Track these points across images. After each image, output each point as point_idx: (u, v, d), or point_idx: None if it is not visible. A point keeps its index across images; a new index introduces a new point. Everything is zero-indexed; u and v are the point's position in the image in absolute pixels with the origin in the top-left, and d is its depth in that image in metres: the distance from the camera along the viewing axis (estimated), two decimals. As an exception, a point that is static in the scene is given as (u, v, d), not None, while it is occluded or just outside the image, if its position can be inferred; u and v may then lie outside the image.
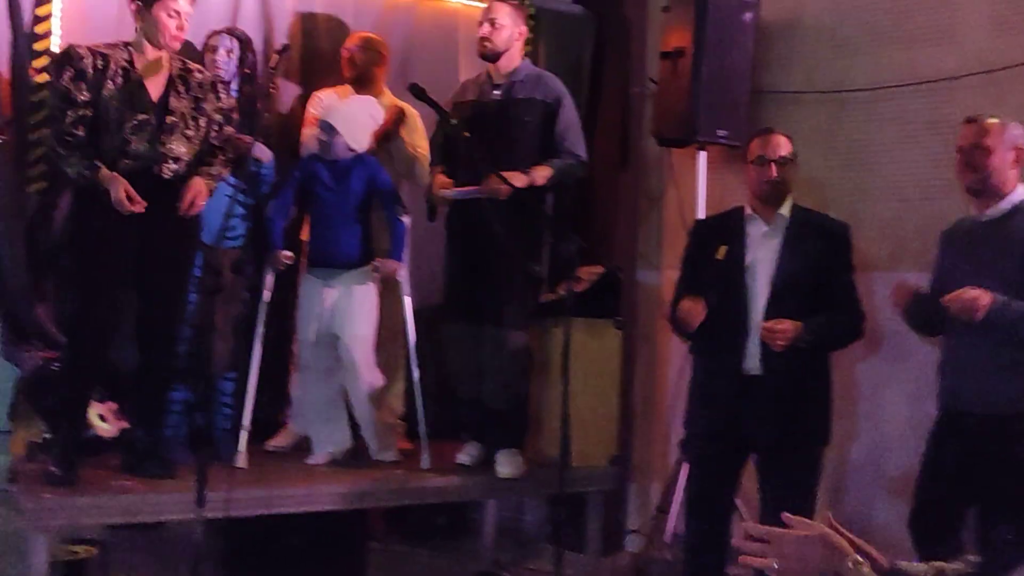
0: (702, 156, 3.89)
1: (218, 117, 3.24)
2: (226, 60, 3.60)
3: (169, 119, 3.11)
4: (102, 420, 3.38)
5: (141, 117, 3.05)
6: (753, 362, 2.77)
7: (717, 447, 2.87)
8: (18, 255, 3.56)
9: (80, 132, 3.01)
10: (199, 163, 3.18)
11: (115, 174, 3.00)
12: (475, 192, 3.43)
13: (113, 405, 3.44)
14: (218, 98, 3.27)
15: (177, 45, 3.16)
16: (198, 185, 3.13)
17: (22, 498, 2.95)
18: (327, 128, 3.50)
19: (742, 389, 2.79)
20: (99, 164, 3.01)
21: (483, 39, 3.54)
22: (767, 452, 2.83)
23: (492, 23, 3.53)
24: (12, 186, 3.56)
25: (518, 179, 3.33)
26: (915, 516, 2.80)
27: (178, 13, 3.08)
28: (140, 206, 3.00)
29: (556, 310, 3.71)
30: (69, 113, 3.00)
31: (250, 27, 3.89)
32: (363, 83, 3.82)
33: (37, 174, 3.58)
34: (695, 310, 2.77)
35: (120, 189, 2.98)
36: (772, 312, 2.74)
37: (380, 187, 3.60)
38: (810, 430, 2.83)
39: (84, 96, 3.01)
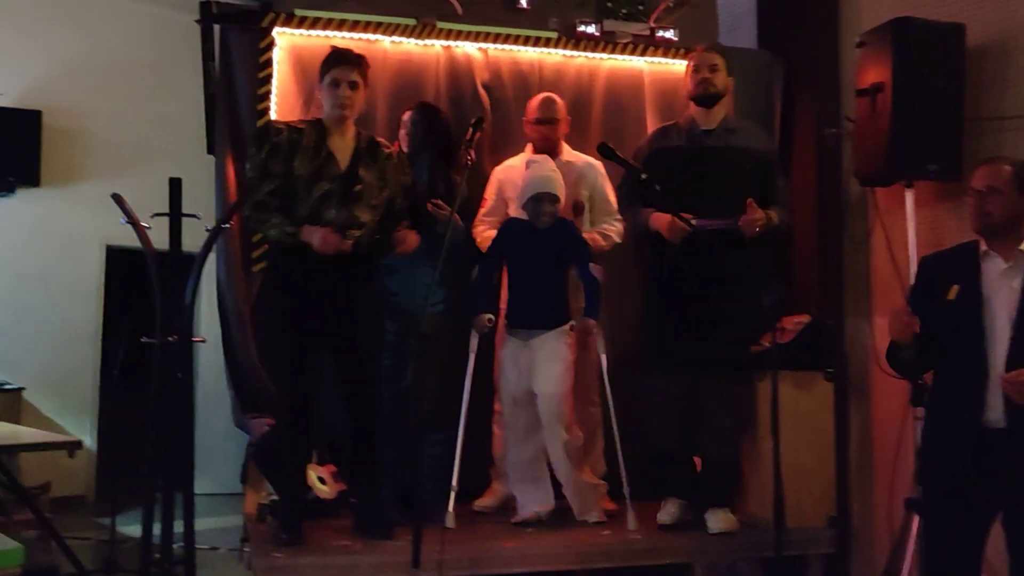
0: (910, 194, 3.67)
1: (399, 189, 3.39)
2: (411, 133, 3.76)
3: (356, 188, 3.28)
4: (322, 483, 3.57)
5: (329, 186, 3.24)
6: (996, 414, 2.51)
7: (956, 507, 2.60)
8: (245, 330, 3.87)
9: (274, 200, 3.22)
10: (381, 230, 3.32)
11: (315, 226, 3.18)
12: (725, 223, 3.39)
13: (332, 468, 3.62)
14: (401, 171, 3.43)
15: (344, 112, 3.28)
16: (412, 237, 3.39)
17: (254, 557, 3.15)
18: (552, 199, 3.58)
19: (984, 443, 2.53)
20: (299, 222, 3.19)
21: (705, 82, 3.57)
22: (1015, 511, 2.54)
23: (712, 68, 3.58)
24: (239, 267, 3.89)
25: (761, 214, 3.42)
26: None
27: (339, 81, 3.25)
28: (346, 245, 3.17)
29: (761, 362, 3.58)
30: (265, 183, 3.22)
31: (445, 102, 4.10)
32: (549, 150, 3.90)
33: (260, 255, 3.90)
34: (906, 320, 2.57)
35: (327, 232, 3.15)
36: (1015, 360, 2.48)
37: (574, 245, 3.64)
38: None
39: (278, 167, 3.23)
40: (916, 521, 3.27)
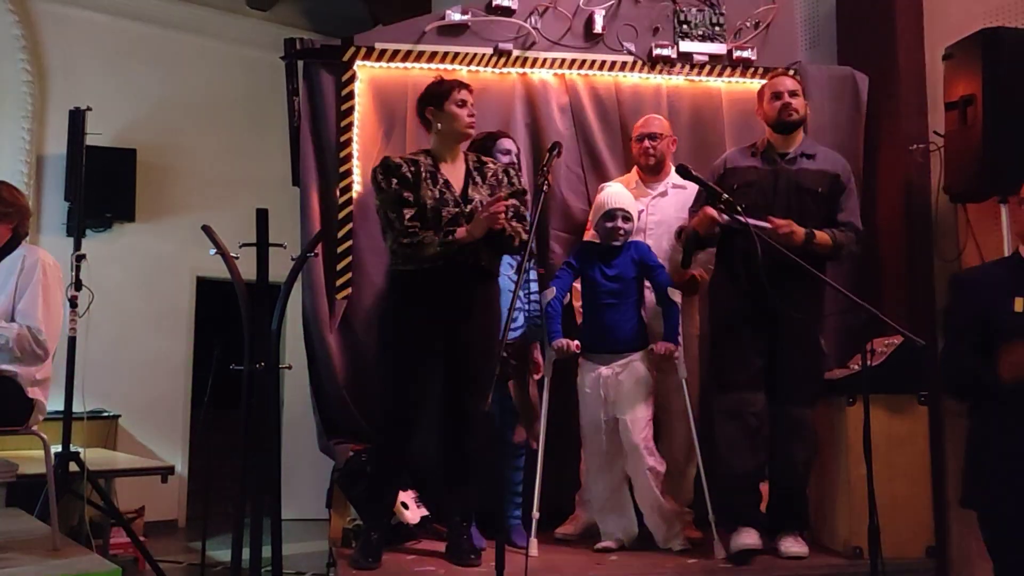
0: (1005, 209, 3.53)
1: (511, 201, 3.33)
2: (513, 160, 3.78)
3: (469, 209, 3.31)
4: (404, 507, 3.59)
5: (453, 211, 3.28)
6: None
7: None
8: (330, 357, 3.93)
9: (417, 225, 3.25)
10: (489, 245, 3.30)
11: (460, 229, 3.23)
12: (762, 226, 3.26)
13: (414, 492, 3.64)
14: (511, 182, 3.43)
15: (473, 132, 3.41)
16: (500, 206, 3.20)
17: (339, 581, 3.18)
18: (625, 215, 3.60)
19: None
20: (451, 233, 3.22)
21: (789, 108, 3.53)
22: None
23: (793, 93, 3.56)
24: (324, 295, 3.96)
25: (798, 228, 3.35)
26: None
27: (464, 102, 3.36)
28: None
29: (851, 386, 3.48)
30: (405, 211, 3.26)
31: (522, 128, 4.14)
32: (654, 167, 3.91)
33: (344, 282, 3.97)
34: None
35: (475, 230, 3.21)
36: None
37: (651, 268, 3.61)
38: None
39: (410, 196, 3.28)
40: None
